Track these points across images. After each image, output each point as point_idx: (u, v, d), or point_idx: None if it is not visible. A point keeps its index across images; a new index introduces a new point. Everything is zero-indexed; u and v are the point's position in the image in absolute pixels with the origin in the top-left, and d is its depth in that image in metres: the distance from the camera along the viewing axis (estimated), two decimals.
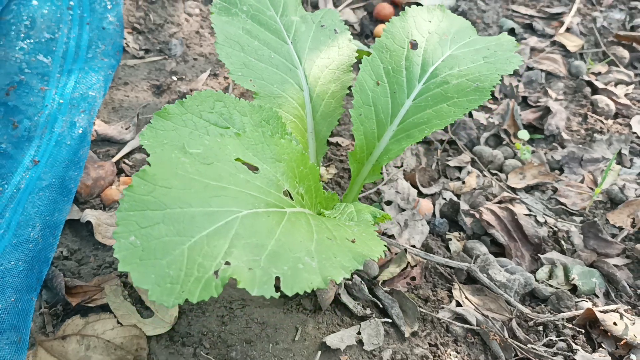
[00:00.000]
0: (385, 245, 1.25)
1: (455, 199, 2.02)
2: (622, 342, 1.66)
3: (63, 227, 1.67)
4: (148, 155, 1.92)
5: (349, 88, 1.77)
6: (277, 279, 1.03)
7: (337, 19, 1.82)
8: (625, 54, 2.68)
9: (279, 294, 1.01)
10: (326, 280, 1.06)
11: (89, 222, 1.71)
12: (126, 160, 1.93)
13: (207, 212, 1.08)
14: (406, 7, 1.73)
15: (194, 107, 1.46)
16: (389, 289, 1.69)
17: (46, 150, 1.80)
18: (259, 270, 1.03)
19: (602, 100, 2.41)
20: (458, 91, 1.57)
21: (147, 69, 2.27)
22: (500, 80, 1.55)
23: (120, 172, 1.90)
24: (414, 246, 1.83)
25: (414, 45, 1.67)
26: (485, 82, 1.55)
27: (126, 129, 2.01)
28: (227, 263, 1.03)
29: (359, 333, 1.57)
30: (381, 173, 1.66)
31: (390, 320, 1.62)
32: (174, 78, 2.24)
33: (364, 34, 2.62)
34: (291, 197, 1.31)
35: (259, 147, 1.29)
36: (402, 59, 1.66)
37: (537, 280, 1.81)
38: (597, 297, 1.80)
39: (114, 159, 1.92)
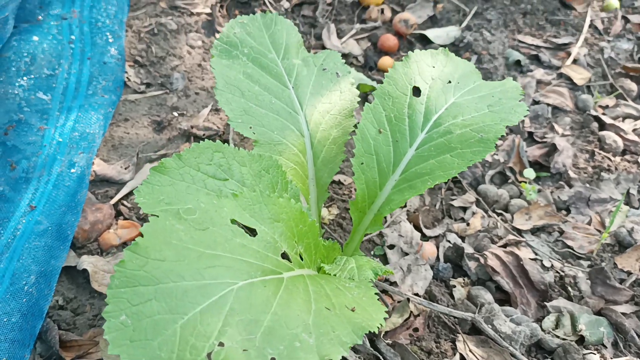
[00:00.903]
0: (386, 311, 1.21)
1: (459, 242, 1.98)
2: None
3: (59, 275, 1.65)
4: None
5: (351, 133, 1.74)
6: (272, 359, 1.00)
7: (339, 62, 1.79)
8: (633, 86, 2.64)
9: None
10: None
11: (85, 269, 1.68)
12: (125, 202, 1.91)
13: (200, 286, 1.05)
14: (409, 52, 1.69)
15: (191, 160, 1.43)
16: (391, 342, 1.65)
17: (44, 194, 1.78)
18: (254, 350, 0.99)
19: (609, 136, 2.37)
20: (462, 142, 1.54)
21: (148, 104, 2.24)
22: (505, 132, 1.52)
23: (118, 214, 1.88)
24: (417, 294, 1.79)
25: (417, 92, 1.64)
26: (489, 133, 1.52)
27: (125, 168, 1.98)
28: (221, 344, 0.99)
29: None
30: (383, 223, 1.62)
31: None
32: (175, 114, 2.22)
33: (368, 65, 2.59)
34: (289, 259, 1.28)
35: (256, 208, 1.26)
36: (404, 107, 1.62)
37: (543, 330, 1.77)
38: (605, 347, 1.76)
39: (112, 201, 1.89)
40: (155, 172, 1.38)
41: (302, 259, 1.33)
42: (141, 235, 1.07)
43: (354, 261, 1.48)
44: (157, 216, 1.12)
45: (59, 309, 1.61)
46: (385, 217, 1.69)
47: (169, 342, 0.97)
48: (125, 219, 1.86)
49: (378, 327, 1.14)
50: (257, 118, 1.63)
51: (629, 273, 1.96)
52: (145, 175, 1.93)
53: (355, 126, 1.73)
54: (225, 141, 2.18)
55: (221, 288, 1.06)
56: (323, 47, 2.59)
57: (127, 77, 2.28)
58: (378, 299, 1.27)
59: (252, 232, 1.23)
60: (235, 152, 1.49)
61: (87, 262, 1.69)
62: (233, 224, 1.20)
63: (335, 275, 1.40)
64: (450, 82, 1.67)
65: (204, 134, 2.14)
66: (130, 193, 1.94)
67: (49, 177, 1.83)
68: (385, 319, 1.67)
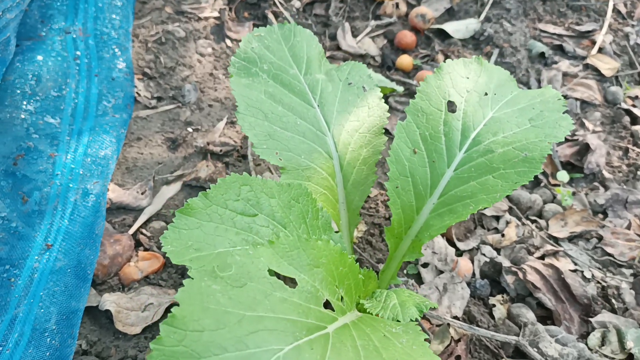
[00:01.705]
0: (426, 339, 1.13)
1: (495, 255, 1.89)
2: None
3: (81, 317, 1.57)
4: (167, 223, 1.82)
5: (383, 150, 1.64)
6: None
7: (364, 75, 1.68)
8: None
9: None
10: None
11: (108, 309, 1.60)
12: (144, 231, 1.82)
13: (244, 356, 0.96)
14: (441, 64, 1.58)
15: (218, 197, 1.34)
16: None
17: (60, 229, 1.69)
18: None
19: None
20: (504, 161, 1.43)
21: (161, 120, 2.14)
22: (551, 149, 1.42)
23: (137, 244, 1.79)
24: (456, 317, 1.71)
25: (452, 107, 1.53)
26: (534, 152, 1.41)
27: (142, 193, 1.89)
28: None
29: None
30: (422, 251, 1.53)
31: None
32: (190, 129, 2.12)
33: (386, 65, 2.47)
34: (331, 307, 1.19)
35: (294, 254, 1.17)
36: (439, 124, 1.52)
37: (590, 349, 1.68)
38: None
39: (131, 231, 1.80)
40: (181, 215, 1.29)
41: (343, 302, 1.24)
42: (177, 304, 0.98)
43: (395, 296, 1.39)
44: (189, 271, 1.03)
45: (82, 354, 1.53)
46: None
47: None
48: (145, 249, 1.77)
49: None
50: (282, 142, 1.53)
51: None
52: (163, 200, 1.85)
53: (389, 134, 1.63)
54: (244, 156, 2.08)
55: (267, 356, 0.97)
56: (338, 48, 2.47)
57: (137, 92, 2.17)
58: (429, 345, 1.18)
59: (291, 283, 1.14)
60: (263, 184, 1.40)
61: (109, 301, 1.61)
62: (271, 274, 1.11)
63: (377, 314, 1.32)
64: (486, 93, 1.56)
65: (221, 150, 2.04)
66: (149, 220, 1.85)
67: (64, 209, 1.74)
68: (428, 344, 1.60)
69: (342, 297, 1.24)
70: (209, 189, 1.34)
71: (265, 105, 1.56)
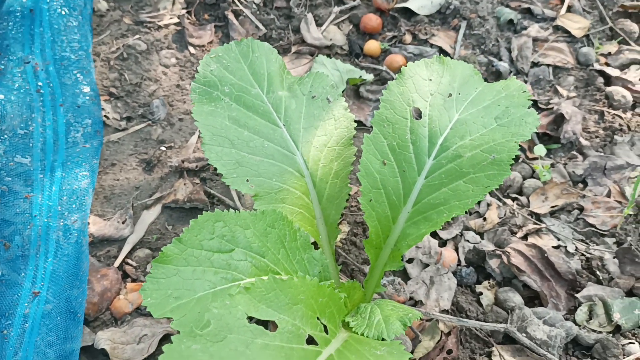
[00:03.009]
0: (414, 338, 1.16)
1: (479, 240, 1.91)
2: None
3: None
4: (157, 249, 1.83)
5: (353, 163, 1.64)
6: None
7: (327, 85, 1.66)
8: (634, 27, 2.49)
9: None
10: None
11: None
12: (129, 261, 1.83)
13: None
14: (402, 68, 1.56)
15: (192, 240, 1.34)
16: None
17: (46, 272, 1.70)
18: None
19: (617, 91, 2.26)
20: (474, 165, 1.44)
21: (133, 142, 2.13)
22: (517, 149, 1.42)
23: (124, 276, 1.80)
24: (445, 310, 1.74)
25: (417, 114, 1.53)
26: (502, 153, 1.42)
27: (123, 222, 1.89)
28: None
29: None
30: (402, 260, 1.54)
31: None
32: (163, 148, 2.11)
33: (354, 52, 2.44)
34: (315, 341, 1.21)
35: (272, 296, 1.18)
36: (406, 132, 1.51)
37: (578, 325, 1.72)
38: None
39: (116, 263, 1.81)
40: (157, 264, 1.29)
41: (327, 332, 1.26)
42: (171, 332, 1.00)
43: (379, 311, 1.42)
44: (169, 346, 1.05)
45: None
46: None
47: None
48: (132, 280, 1.79)
49: None
50: (252, 168, 1.53)
51: None
52: (144, 226, 1.86)
53: (363, 125, 1.62)
54: None
55: None
56: (303, 41, 2.43)
57: (105, 115, 2.15)
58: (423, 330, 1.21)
59: (271, 325, 1.16)
60: (236, 217, 1.40)
61: (103, 339, 1.63)
62: (250, 322, 1.13)
63: (363, 334, 1.34)
64: (450, 94, 1.55)
65: (196, 166, 2.03)
66: (133, 249, 1.86)
67: (47, 250, 1.75)
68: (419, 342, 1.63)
69: (325, 327, 1.26)
70: (189, 209, 1.34)
71: (231, 131, 1.55)
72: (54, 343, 1.59)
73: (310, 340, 1.21)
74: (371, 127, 1.65)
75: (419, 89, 1.55)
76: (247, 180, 1.51)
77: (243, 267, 1.37)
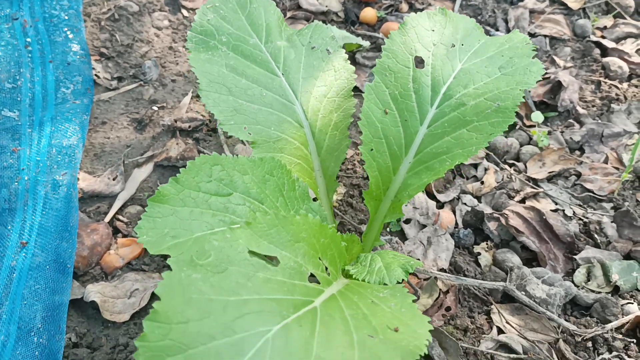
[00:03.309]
0: (428, 322, 1.13)
1: (476, 203, 1.89)
2: None
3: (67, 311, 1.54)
4: (143, 207, 1.79)
5: (352, 115, 1.60)
6: None
7: (327, 36, 1.63)
8: (630, 1, 2.49)
9: None
10: None
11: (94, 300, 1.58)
12: (120, 217, 1.78)
13: (233, 342, 0.95)
14: (405, 18, 1.54)
15: (190, 181, 1.30)
16: None
17: (33, 224, 1.64)
18: None
19: (613, 62, 2.25)
20: (477, 113, 1.41)
21: (124, 101, 2.08)
22: (522, 97, 1.39)
23: (115, 231, 1.75)
24: (442, 269, 1.71)
25: (419, 63, 1.50)
26: (506, 101, 1.39)
27: (113, 179, 1.84)
28: None
29: None
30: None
31: None
32: (155, 107, 2.06)
33: (350, 20, 2.41)
34: (317, 279, 1.18)
35: (273, 232, 1.14)
36: (409, 81, 1.48)
37: (577, 286, 1.71)
38: None
39: (107, 218, 1.76)
40: (153, 203, 1.25)
41: (328, 273, 1.23)
42: (157, 297, 0.96)
43: (380, 259, 1.39)
44: (168, 259, 1.01)
45: (73, 347, 1.51)
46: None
47: None
48: (123, 235, 1.74)
49: (427, 344, 1.06)
50: (250, 116, 1.49)
51: None
52: (136, 183, 1.81)
53: (359, 91, 1.60)
54: (214, 130, 2.03)
55: (256, 339, 0.96)
56: (299, 7, 2.40)
57: (96, 75, 2.10)
58: (417, 307, 1.18)
59: (273, 261, 1.13)
60: (234, 162, 1.36)
61: (93, 292, 1.58)
62: (252, 256, 1.09)
63: (364, 280, 1.31)
64: (453, 45, 1.52)
65: (189, 126, 1.99)
66: (124, 206, 1.81)
67: (35, 204, 1.69)
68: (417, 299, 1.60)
69: (326, 268, 1.23)
70: (182, 167, 1.30)
71: (228, 79, 1.51)
72: (41, 295, 1.53)
73: (312, 280, 1.17)
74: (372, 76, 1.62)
75: (421, 38, 1.52)
76: (245, 128, 1.47)
77: (241, 211, 1.33)
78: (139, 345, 0.91)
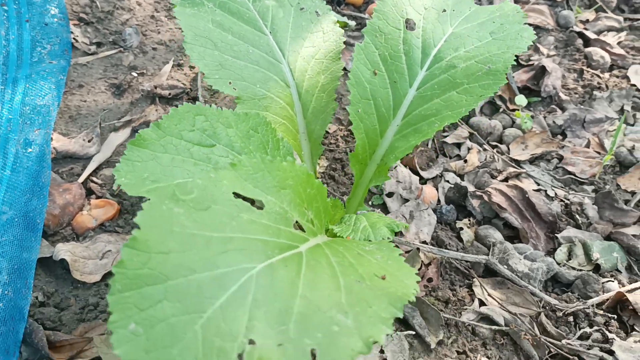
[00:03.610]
0: (415, 274, 1.09)
1: (459, 181, 1.87)
2: None
3: (35, 268, 1.47)
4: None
5: (340, 77, 1.57)
6: (312, 350, 0.87)
7: None
8: None
9: None
10: (368, 343, 0.90)
11: (63, 259, 1.50)
12: (94, 179, 1.71)
13: (215, 276, 0.90)
14: None
15: (172, 128, 1.25)
16: None
17: (2, 180, 1.57)
18: (290, 344, 0.86)
19: (596, 52, 2.27)
20: (468, 76, 1.39)
21: (102, 66, 2.01)
22: (513, 60, 1.38)
23: (89, 193, 1.69)
24: (425, 242, 1.69)
25: (410, 25, 1.48)
26: (497, 64, 1.38)
27: (89, 141, 1.77)
28: (251, 341, 0.85)
29: (381, 351, 1.44)
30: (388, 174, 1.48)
31: (413, 332, 1.48)
32: (134, 74, 2.00)
33: (335, 0, 2.39)
34: (302, 228, 1.14)
35: (259, 176, 1.10)
36: (399, 43, 1.46)
37: (557, 263, 1.69)
38: (620, 272, 1.70)
39: (80, 179, 1.69)
40: (133, 147, 1.20)
41: (313, 225, 1.19)
42: (137, 226, 0.91)
43: (364, 219, 1.35)
44: (147, 199, 0.95)
45: (40, 306, 1.44)
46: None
47: (191, 347, 0.83)
48: (97, 197, 1.67)
49: (414, 293, 1.02)
50: (235, 71, 1.44)
51: (633, 193, 1.90)
52: (112, 147, 1.75)
53: (345, 70, 1.57)
54: (194, 98, 1.98)
55: (239, 275, 0.92)
56: None
57: (74, 38, 2.03)
58: (404, 260, 1.14)
59: (257, 205, 1.08)
60: (218, 114, 1.32)
61: (63, 250, 1.51)
62: (236, 198, 1.04)
63: (349, 237, 1.28)
64: (444, 10, 1.51)
65: (169, 93, 1.94)
66: (99, 168, 1.75)
67: (5, 160, 1.62)
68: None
69: (312, 220, 1.19)
70: None
71: (214, 34, 1.46)
72: (7, 251, 1.46)
73: (298, 229, 1.13)
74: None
75: (412, 2, 1.50)
76: (230, 83, 1.43)
77: (224, 163, 1.28)
78: (116, 272, 0.85)
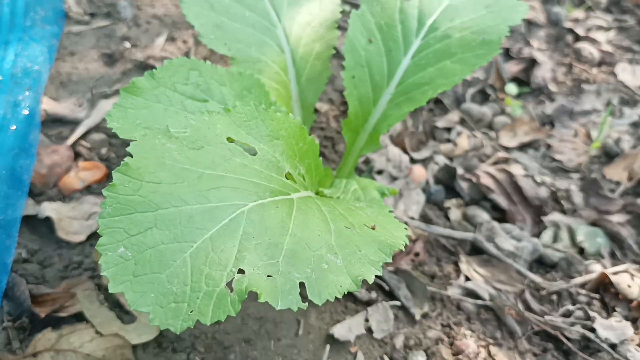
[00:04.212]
0: (405, 228, 1.09)
1: (449, 163, 1.88)
2: (633, 304, 1.58)
3: (19, 225, 1.45)
4: (113, 136, 1.71)
5: (335, 47, 1.58)
6: (301, 284, 0.86)
7: None
8: None
9: (306, 304, 0.84)
10: (357, 281, 0.90)
11: (48, 218, 1.48)
12: (83, 142, 1.70)
13: (206, 209, 0.90)
14: None
15: (166, 79, 1.25)
16: (393, 269, 1.54)
17: None
18: (279, 276, 0.86)
19: (585, 48, 2.30)
20: (462, 46, 1.40)
21: (95, 36, 2.00)
22: (508, 32, 1.39)
23: (77, 156, 1.67)
24: (412, 218, 1.69)
25: None
26: (492, 35, 1.39)
27: (79, 106, 1.76)
28: (241, 271, 0.85)
29: (366, 320, 1.43)
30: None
31: (398, 303, 1.48)
32: (127, 45, 1.99)
33: None
34: (293, 180, 1.13)
35: (252, 124, 1.10)
36: (395, 12, 1.47)
37: (543, 245, 1.70)
38: (603, 257, 1.71)
39: (69, 142, 1.68)
40: (126, 94, 1.19)
41: (304, 180, 1.19)
42: (130, 155, 0.90)
43: (355, 183, 1.35)
44: (143, 135, 0.95)
45: (23, 262, 1.42)
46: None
47: (180, 273, 0.83)
48: (85, 160, 1.66)
49: (404, 245, 1.02)
50: (231, 33, 1.45)
51: (618, 183, 1.92)
52: (101, 113, 1.74)
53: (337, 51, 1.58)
54: None
55: (230, 210, 0.91)
56: None
57: (68, 7, 2.02)
58: (395, 217, 1.14)
59: (250, 152, 1.08)
60: (213, 70, 1.31)
61: (49, 209, 1.50)
62: (229, 142, 1.04)
63: (339, 198, 1.27)
64: None
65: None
66: (88, 132, 1.73)
67: None
68: None
69: (303, 175, 1.19)
70: None
71: None
72: None
73: (289, 179, 1.13)
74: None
75: None
76: (225, 44, 1.43)
77: None
78: (107, 194, 0.85)
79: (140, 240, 0.83)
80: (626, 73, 2.25)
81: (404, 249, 1.11)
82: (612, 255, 1.73)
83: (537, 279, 1.58)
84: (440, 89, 1.37)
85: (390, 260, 0.97)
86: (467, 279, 1.59)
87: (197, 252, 0.85)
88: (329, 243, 0.95)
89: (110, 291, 0.78)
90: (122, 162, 0.87)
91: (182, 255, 0.84)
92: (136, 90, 1.20)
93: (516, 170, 1.89)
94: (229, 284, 0.83)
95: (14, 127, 1.61)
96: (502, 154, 1.93)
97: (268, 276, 0.85)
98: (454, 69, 1.39)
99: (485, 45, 1.38)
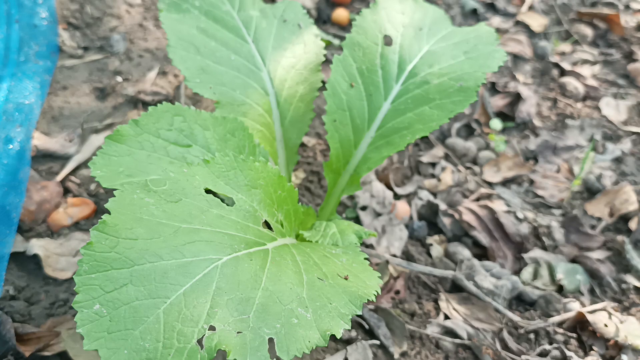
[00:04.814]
0: (378, 277, 1.12)
1: (432, 199, 1.91)
2: (611, 342, 1.60)
3: (7, 262, 1.48)
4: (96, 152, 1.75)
5: (319, 90, 1.62)
6: (270, 340, 0.89)
7: (300, 12, 1.65)
8: (587, 31, 2.61)
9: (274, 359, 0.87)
10: (325, 336, 0.93)
11: (36, 254, 1.52)
12: (72, 178, 1.73)
13: (181, 265, 0.93)
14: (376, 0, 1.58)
15: (150, 126, 1.28)
16: (373, 307, 1.57)
17: None
18: (249, 332, 0.89)
19: (570, 83, 2.34)
20: (440, 92, 1.44)
21: (88, 70, 2.05)
22: (484, 79, 1.43)
23: (66, 191, 1.70)
24: (395, 255, 1.72)
25: (388, 41, 1.53)
26: (469, 82, 1.43)
27: (70, 141, 1.80)
28: (212, 327, 0.88)
29: (346, 359, 1.46)
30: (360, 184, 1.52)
31: (377, 342, 1.50)
32: (119, 79, 2.03)
33: (321, 19, 2.45)
34: (271, 228, 1.17)
35: (231, 174, 1.13)
36: (376, 57, 1.51)
37: (522, 282, 1.73)
38: (582, 294, 1.74)
39: (59, 178, 1.71)
40: (110, 142, 1.23)
41: (282, 227, 1.22)
42: (108, 212, 0.93)
43: (334, 226, 1.39)
44: (121, 191, 0.98)
45: (10, 299, 1.45)
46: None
47: (153, 330, 0.86)
48: (74, 196, 1.69)
49: (375, 295, 1.05)
50: (216, 76, 1.49)
51: (599, 219, 1.95)
52: (92, 148, 1.77)
53: (323, 82, 1.62)
54: None
55: (204, 265, 0.94)
56: (272, 0, 2.43)
57: (62, 42, 2.07)
58: (369, 264, 1.18)
59: (228, 202, 1.11)
60: (197, 115, 1.35)
61: (37, 245, 1.53)
62: (207, 193, 1.07)
63: (317, 242, 1.31)
64: (421, 29, 1.56)
65: (152, 100, 1.97)
66: (78, 168, 1.77)
67: None
68: None
69: (281, 222, 1.22)
70: None
71: (197, 39, 1.51)
72: None
73: (267, 228, 1.16)
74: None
75: (391, 19, 1.56)
76: (210, 88, 1.47)
77: None
78: (84, 253, 0.88)
79: (115, 297, 0.87)
80: (610, 108, 2.29)
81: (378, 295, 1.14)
82: (592, 292, 1.76)
83: (515, 317, 1.61)
84: (419, 134, 1.41)
85: (360, 312, 1.00)
86: (447, 317, 1.61)
87: (170, 308, 0.88)
88: (301, 296, 0.98)
89: (84, 348, 0.81)
90: (99, 220, 0.91)
91: (156, 312, 0.87)
92: (120, 138, 1.24)
93: (498, 206, 1.92)
94: (200, 341, 0.86)
95: (5, 161, 1.64)
96: (485, 190, 1.96)
97: (238, 332, 0.88)
98: (432, 114, 1.43)
99: (463, 92, 1.42)
